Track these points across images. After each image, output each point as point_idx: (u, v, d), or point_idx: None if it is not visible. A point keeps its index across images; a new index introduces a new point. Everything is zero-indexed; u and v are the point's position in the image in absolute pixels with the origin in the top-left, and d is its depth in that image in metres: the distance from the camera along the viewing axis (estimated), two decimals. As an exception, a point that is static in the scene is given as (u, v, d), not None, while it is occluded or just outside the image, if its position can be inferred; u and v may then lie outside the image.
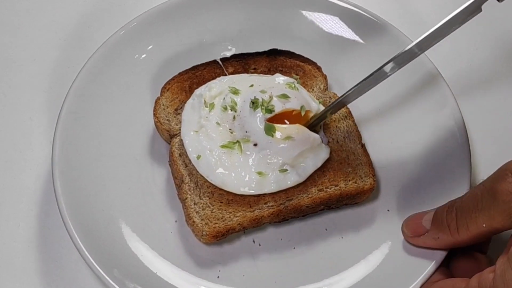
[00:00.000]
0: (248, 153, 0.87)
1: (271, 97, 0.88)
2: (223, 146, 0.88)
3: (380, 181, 0.93)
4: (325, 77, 1.00)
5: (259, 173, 0.86)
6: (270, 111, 0.87)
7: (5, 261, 0.88)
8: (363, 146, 0.92)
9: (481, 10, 0.75)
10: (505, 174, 0.69)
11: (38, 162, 0.96)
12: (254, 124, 0.87)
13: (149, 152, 0.95)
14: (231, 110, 0.89)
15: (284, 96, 0.88)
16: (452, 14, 0.75)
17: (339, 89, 1.00)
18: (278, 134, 0.86)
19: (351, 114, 0.95)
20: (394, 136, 0.97)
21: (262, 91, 0.89)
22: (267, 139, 0.86)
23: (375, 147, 0.96)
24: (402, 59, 0.81)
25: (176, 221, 0.89)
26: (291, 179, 0.87)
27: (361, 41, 1.05)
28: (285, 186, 0.87)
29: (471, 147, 0.92)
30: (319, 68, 1.00)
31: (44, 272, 0.88)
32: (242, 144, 0.87)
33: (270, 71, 1.00)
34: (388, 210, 0.90)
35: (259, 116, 0.87)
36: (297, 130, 0.87)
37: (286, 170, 0.87)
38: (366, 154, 0.92)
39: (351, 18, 1.05)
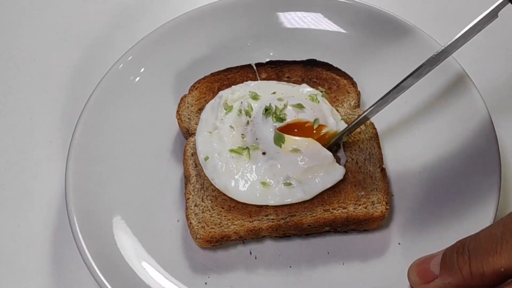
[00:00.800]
0: (256, 161, 0.84)
1: (285, 106, 0.84)
2: (232, 151, 0.85)
3: (394, 210, 0.86)
4: (358, 93, 0.94)
5: (263, 183, 0.83)
6: (281, 119, 0.83)
7: (5, 261, 0.88)
8: (382, 170, 0.86)
9: (497, 16, 0.72)
10: None
11: (38, 162, 0.96)
12: (265, 131, 0.84)
13: (169, 149, 0.94)
14: (246, 115, 0.87)
15: (299, 106, 0.84)
16: (471, 24, 0.74)
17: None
18: (287, 146, 0.82)
19: (377, 136, 0.89)
20: (419, 160, 0.89)
21: (279, 99, 0.86)
22: (275, 149, 0.83)
23: (395, 170, 0.89)
24: (424, 69, 0.79)
25: (178, 221, 0.87)
26: (296, 195, 0.83)
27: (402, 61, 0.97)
28: (288, 201, 0.83)
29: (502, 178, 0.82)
30: (354, 84, 0.95)
31: (44, 272, 0.87)
32: (251, 151, 0.85)
33: (303, 81, 0.96)
34: (399, 243, 0.83)
35: (271, 124, 0.84)
36: (307, 144, 0.82)
37: (291, 184, 0.83)
38: (384, 180, 0.85)
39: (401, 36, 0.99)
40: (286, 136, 0.82)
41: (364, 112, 0.83)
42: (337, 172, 0.84)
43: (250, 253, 0.85)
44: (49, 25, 1.11)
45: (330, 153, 0.84)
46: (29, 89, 1.03)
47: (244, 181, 0.84)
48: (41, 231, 0.89)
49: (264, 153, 0.84)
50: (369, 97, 0.96)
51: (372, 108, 0.83)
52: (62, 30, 1.11)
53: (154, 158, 0.93)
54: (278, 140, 0.82)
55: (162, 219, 0.87)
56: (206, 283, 0.82)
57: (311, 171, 0.83)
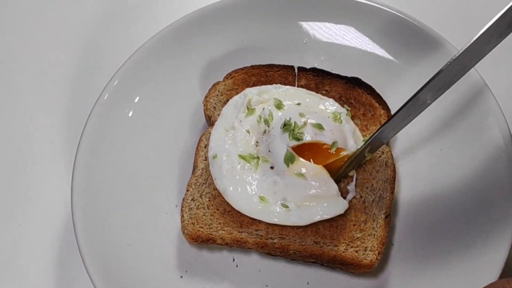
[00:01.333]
0: (262, 173, 0.82)
1: (305, 123, 0.81)
2: (240, 157, 0.83)
3: (389, 260, 0.82)
4: (391, 129, 0.89)
5: (261, 198, 0.81)
6: (297, 139, 0.80)
7: (5, 261, 0.88)
8: (387, 217, 0.82)
9: None
10: None
11: (37, 162, 0.96)
12: (279, 147, 0.81)
13: (191, 130, 0.93)
14: (265, 124, 0.84)
15: (319, 127, 0.81)
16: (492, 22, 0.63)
17: (399, 147, 0.89)
18: (294, 167, 0.80)
19: (394, 180, 0.84)
20: (431, 214, 0.84)
21: (301, 114, 0.82)
22: (283, 167, 0.80)
23: (404, 219, 0.86)
24: (442, 83, 0.69)
25: (176, 206, 0.87)
26: (291, 219, 0.80)
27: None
28: (282, 222, 0.81)
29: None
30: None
31: (44, 272, 0.87)
32: (260, 162, 0.83)
33: (341, 99, 0.91)
34: (381, 296, 0.80)
35: (286, 141, 0.81)
36: (314, 172, 0.79)
37: (287, 206, 0.80)
38: (386, 228, 0.81)
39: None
40: (297, 158, 0.80)
41: (381, 126, 0.77)
42: (339, 206, 0.81)
43: (233, 260, 0.84)
44: (49, 25, 1.09)
45: (335, 186, 0.80)
46: (29, 89, 1.02)
47: (244, 190, 0.82)
48: (41, 231, 0.90)
49: (272, 168, 0.82)
50: (399, 138, 0.90)
51: (389, 123, 0.76)
52: (62, 30, 1.09)
53: (174, 134, 0.92)
54: (288, 160, 0.80)
55: (162, 199, 0.88)
56: (181, 277, 0.82)
57: (311, 199, 0.80)
